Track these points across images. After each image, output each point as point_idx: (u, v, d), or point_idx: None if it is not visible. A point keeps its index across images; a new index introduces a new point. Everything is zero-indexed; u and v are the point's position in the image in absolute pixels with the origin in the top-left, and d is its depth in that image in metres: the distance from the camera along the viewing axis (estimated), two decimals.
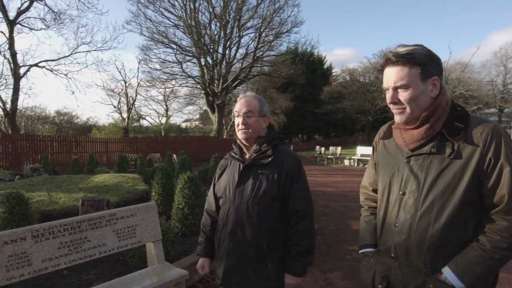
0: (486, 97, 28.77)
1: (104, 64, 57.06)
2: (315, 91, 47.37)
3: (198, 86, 29.28)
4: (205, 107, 33.43)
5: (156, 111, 37.56)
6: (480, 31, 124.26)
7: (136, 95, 29.61)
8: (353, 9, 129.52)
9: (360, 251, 1.70)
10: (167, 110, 38.22)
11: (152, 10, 26.06)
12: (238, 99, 2.01)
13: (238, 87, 31.23)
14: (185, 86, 30.48)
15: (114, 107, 29.70)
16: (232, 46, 27.98)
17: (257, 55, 27.83)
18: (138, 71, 27.82)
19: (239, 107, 1.94)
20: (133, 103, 29.26)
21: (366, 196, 1.78)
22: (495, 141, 1.29)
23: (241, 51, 28.65)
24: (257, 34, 27.25)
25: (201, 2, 27.39)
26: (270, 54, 28.59)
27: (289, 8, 28.30)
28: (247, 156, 1.96)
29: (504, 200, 1.28)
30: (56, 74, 18.66)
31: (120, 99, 29.27)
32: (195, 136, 29.26)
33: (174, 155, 16.32)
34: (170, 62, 27.58)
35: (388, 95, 1.42)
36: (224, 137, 30.57)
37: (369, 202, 1.76)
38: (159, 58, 26.89)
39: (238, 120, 1.93)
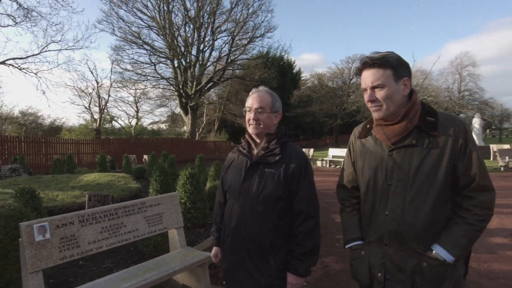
0: (445, 103, 30.85)
1: (75, 63, 54.81)
2: (285, 95, 48.24)
3: (171, 88, 29.13)
4: (177, 109, 33.27)
5: (126, 112, 36.80)
6: (437, 40, 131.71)
7: (108, 96, 29.05)
8: (319, 16, 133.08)
9: (347, 246, 1.79)
10: (137, 111, 37.60)
11: (125, 10, 25.75)
12: (250, 94, 2.00)
13: (211, 90, 31.37)
14: (158, 88, 30.23)
15: (85, 107, 28.91)
16: (206, 49, 28.16)
17: (231, 58, 28.19)
18: (111, 71, 27.15)
19: (251, 102, 1.93)
20: (106, 104, 28.64)
21: (346, 194, 1.87)
22: (463, 131, 1.53)
23: (215, 54, 28.91)
24: (231, 38, 27.60)
25: (175, 4, 27.41)
26: (243, 58, 29.04)
27: (263, 13, 28.95)
28: (255, 152, 1.95)
29: (476, 178, 1.50)
30: (26, 73, 17.98)
31: (91, 99, 28.60)
32: (168, 138, 29.09)
33: (145, 156, 16.33)
34: (143, 63, 27.31)
35: (366, 94, 1.59)
36: (196, 139, 30.58)
37: (349, 199, 1.86)
38: (132, 59, 26.57)
39: (249, 115, 1.92)
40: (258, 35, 26.87)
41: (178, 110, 34.77)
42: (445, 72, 48.14)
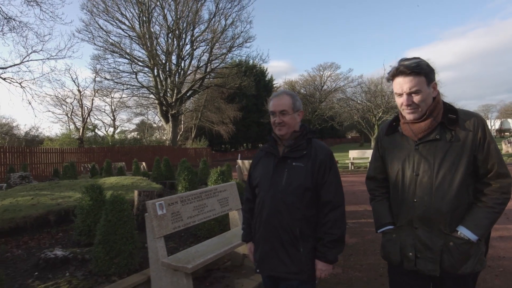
0: None
1: (58, 73, 53.15)
2: (259, 102, 49.52)
3: (152, 96, 29.49)
4: (156, 118, 33.50)
5: (102, 121, 36.52)
6: (399, 48, 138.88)
7: (92, 105, 28.90)
8: (285, 24, 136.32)
9: (380, 230, 1.95)
10: (114, 120, 37.44)
11: (105, 20, 25.98)
12: (271, 98, 2.13)
13: (191, 98, 31.94)
14: (139, 96, 30.45)
15: (68, 116, 28.59)
16: (186, 58, 28.81)
17: (211, 67, 29.02)
18: (94, 81, 27.09)
19: (274, 107, 2.05)
20: (89, 113, 28.44)
21: (376, 184, 2.04)
22: (482, 126, 1.70)
23: (194, 62, 29.61)
24: (209, 47, 28.41)
25: (154, 14, 27.94)
26: (221, 66, 29.87)
27: (242, 23, 30.06)
28: (281, 148, 2.08)
29: (494, 167, 1.67)
30: (10, 83, 17.87)
31: (73, 108, 28.34)
32: (150, 145, 29.32)
33: (144, 163, 16.85)
34: (124, 72, 27.54)
35: (402, 99, 1.73)
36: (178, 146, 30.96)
37: (378, 189, 2.02)
38: (113, 68, 26.76)
39: (273, 119, 2.06)
40: (236, 45, 27.94)
41: (156, 118, 35.03)
42: None
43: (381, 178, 2.01)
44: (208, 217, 3.89)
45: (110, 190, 7.32)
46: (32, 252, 4.55)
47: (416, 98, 1.71)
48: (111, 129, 35.66)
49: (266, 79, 56.23)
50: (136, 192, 5.64)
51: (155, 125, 47.03)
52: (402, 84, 1.72)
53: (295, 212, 1.94)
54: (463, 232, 1.67)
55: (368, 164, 17.77)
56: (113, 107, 36.15)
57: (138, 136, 43.76)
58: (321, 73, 48.29)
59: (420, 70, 1.69)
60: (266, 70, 56.18)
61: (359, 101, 38.79)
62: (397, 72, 1.73)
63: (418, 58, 1.74)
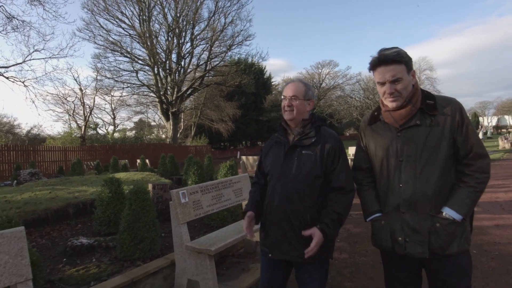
0: None
1: (60, 72, 53.14)
2: (258, 100, 49.88)
3: (152, 94, 29.72)
4: (156, 116, 33.68)
5: (102, 119, 36.71)
6: (397, 45, 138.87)
7: (93, 104, 29.09)
8: (283, 22, 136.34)
9: (368, 219, 1.99)
10: (114, 118, 37.64)
11: (105, 18, 26.15)
12: (285, 84, 2.23)
13: (191, 96, 32.17)
14: (139, 94, 30.68)
15: (69, 115, 28.78)
16: (186, 56, 29.02)
17: (210, 65, 29.27)
18: (96, 79, 27.28)
19: (286, 91, 2.14)
20: (90, 112, 28.66)
21: (362, 174, 2.07)
22: (459, 110, 1.76)
23: (194, 61, 29.84)
24: (209, 45, 28.62)
25: (154, 12, 28.11)
26: (221, 64, 30.11)
27: (242, 22, 30.29)
28: (291, 137, 2.15)
29: (473, 148, 1.74)
30: (13, 82, 18.08)
31: (74, 107, 28.51)
32: (151, 143, 29.58)
33: (147, 160, 17.12)
34: (124, 70, 27.76)
35: (385, 87, 1.78)
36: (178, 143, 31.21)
37: (365, 178, 2.06)
38: (114, 66, 26.97)
39: (284, 103, 2.13)
40: (236, 43, 28.17)
41: (156, 117, 35.22)
42: None
43: (366, 167, 2.05)
44: (225, 206, 4.16)
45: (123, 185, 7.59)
46: (56, 242, 4.81)
47: (398, 86, 1.77)
48: (111, 128, 35.89)
49: (265, 77, 56.59)
50: (150, 186, 5.91)
51: (154, 123, 47.26)
52: (384, 72, 1.77)
53: (306, 200, 1.99)
54: (448, 212, 1.72)
55: None
56: (113, 106, 36.39)
57: (137, 135, 44.04)
58: (320, 70, 48.66)
59: (400, 59, 1.75)
60: (265, 68, 56.49)
61: (357, 98, 39.11)
62: (378, 61, 1.78)
63: (397, 47, 1.79)
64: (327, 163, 2.01)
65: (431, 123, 1.76)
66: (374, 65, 1.80)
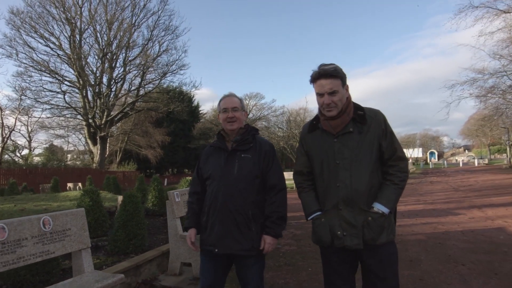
0: None
1: None
2: (186, 127, 50.24)
3: (79, 117, 28.52)
4: (76, 140, 32.05)
5: (13, 141, 33.43)
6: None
7: (15, 124, 26.56)
8: (206, 53, 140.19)
9: (309, 218, 2.16)
10: (30, 141, 34.59)
11: (31, 36, 24.98)
12: (222, 98, 2.43)
13: (121, 120, 31.54)
14: (66, 117, 29.15)
15: None
16: (118, 81, 28.73)
17: (144, 90, 29.37)
18: (20, 99, 25.23)
19: (226, 104, 2.36)
20: (10, 133, 26.08)
21: (303, 178, 2.26)
22: (383, 119, 2.06)
23: (126, 85, 29.63)
24: (142, 72, 28.80)
25: (85, 35, 27.67)
26: (151, 91, 30.28)
27: (178, 52, 31.26)
28: (229, 143, 2.36)
29: (396, 152, 2.04)
30: None
31: None
32: (77, 167, 28.00)
33: (80, 184, 16.68)
34: (50, 91, 26.39)
35: (324, 98, 2.00)
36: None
37: (306, 181, 2.24)
38: (39, 86, 25.52)
39: (225, 115, 2.34)
40: (171, 71, 28.88)
41: (76, 141, 33.47)
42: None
43: (307, 171, 2.24)
44: None
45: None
46: None
47: (334, 98, 1.98)
48: (26, 151, 32.97)
49: (193, 105, 57.46)
50: (120, 198, 6.52)
51: (72, 148, 44.31)
52: (323, 85, 1.99)
53: (247, 197, 2.21)
54: (378, 207, 1.96)
55: (293, 185, 19.94)
56: (29, 128, 33.66)
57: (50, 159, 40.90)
58: (247, 102, 51.03)
59: (337, 74, 1.98)
60: (193, 96, 57.52)
61: (281, 128, 41.97)
62: (319, 75, 2.00)
63: (335, 64, 2.03)
64: (264, 165, 2.29)
65: (362, 130, 2.01)
66: (315, 78, 2.03)
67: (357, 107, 2.08)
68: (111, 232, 4.86)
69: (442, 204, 10.75)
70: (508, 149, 48.02)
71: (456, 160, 78.59)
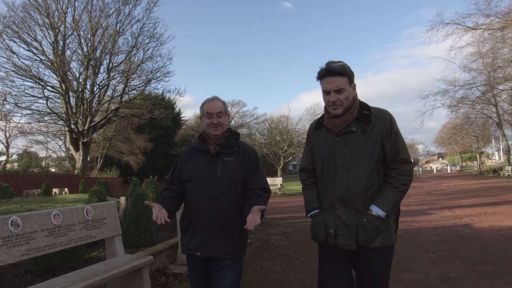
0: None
1: None
2: (168, 134, 50.26)
3: (61, 122, 28.28)
4: (57, 146, 31.71)
5: None
6: (293, 90, 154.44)
7: None
8: (190, 58, 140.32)
9: (309, 215, 2.17)
10: (7, 147, 33.84)
11: (13, 41, 24.77)
12: (206, 102, 2.36)
13: (104, 126, 31.44)
14: (47, 123, 28.82)
15: None
16: (102, 87, 28.72)
17: (129, 97, 29.45)
18: (2, 104, 24.78)
19: (211, 109, 2.29)
20: None
21: (306, 175, 2.26)
22: (389, 120, 2.00)
23: (110, 92, 29.60)
24: (125, 78, 28.91)
25: (68, 41, 27.64)
26: (134, 97, 30.36)
27: (162, 59, 31.49)
28: (212, 146, 2.32)
29: (399, 154, 1.97)
30: None
31: None
32: (59, 173, 27.65)
33: (66, 189, 16.79)
34: (33, 96, 26.13)
35: (330, 96, 1.97)
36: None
37: (310, 178, 2.25)
38: (21, 91, 25.22)
39: (210, 120, 2.28)
40: (155, 78, 29.13)
41: (57, 147, 33.03)
42: (303, 118, 58.61)
43: (311, 168, 2.23)
44: None
45: (78, 203, 8.26)
46: None
47: (341, 96, 1.95)
48: (3, 157, 32.23)
49: (175, 111, 57.55)
50: (122, 198, 6.96)
51: (49, 155, 43.52)
52: (330, 83, 1.96)
53: (230, 200, 2.19)
54: (374, 209, 1.92)
55: (277, 190, 20.56)
56: (8, 133, 32.98)
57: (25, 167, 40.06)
58: (230, 109, 51.40)
59: (344, 72, 1.95)
60: (175, 103, 57.59)
61: (264, 135, 42.71)
62: (325, 72, 1.97)
63: (342, 62, 2.00)
64: (248, 168, 2.28)
65: (365, 130, 1.97)
66: (322, 75, 2.00)
67: (363, 106, 2.06)
68: (122, 228, 5.32)
69: (417, 206, 11.64)
70: (478, 156, 50.49)
71: (431, 167, 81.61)
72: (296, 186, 24.78)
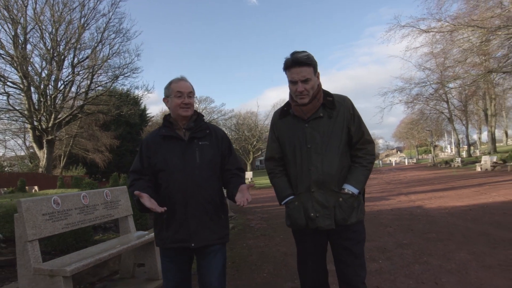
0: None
1: None
2: (133, 130, 49.50)
3: (22, 120, 27.29)
4: (17, 144, 30.54)
5: None
6: (258, 87, 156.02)
7: None
8: (158, 53, 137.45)
9: (283, 202, 2.18)
10: None
11: None
12: (175, 81, 2.19)
13: (70, 123, 30.65)
14: (9, 120, 27.66)
15: None
16: (66, 83, 28.00)
17: (95, 93, 28.91)
18: None
19: (182, 88, 2.15)
20: None
21: (275, 163, 2.28)
22: (351, 105, 2.13)
23: (75, 88, 28.90)
24: (91, 74, 28.36)
25: (29, 35, 26.71)
26: (100, 93, 29.84)
27: (130, 55, 31.02)
28: (181, 131, 2.19)
29: (363, 135, 2.12)
30: None
31: None
32: (22, 172, 26.72)
33: (36, 187, 16.54)
34: None
35: (297, 86, 2.01)
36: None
37: (278, 167, 2.27)
38: None
39: (180, 100, 2.13)
40: (123, 75, 28.79)
41: (17, 146, 31.77)
42: (270, 114, 59.67)
43: (278, 157, 2.25)
44: None
45: None
46: None
47: (307, 85, 2.01)
48: None
49: (141, 108, 56.59)
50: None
51: (10, 153, 41.55)
52: (297, 73, 2.00)
53: (214, 184, 2.16)
54: (348, 188, 2.04)
55: (251, 174, 21.32)
56: None
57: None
58: (197, 105, 51.63)
59: (310, 62, 2.01)
60: (140, 99, 56.62)
61: (234, 130, 43.39)
62: (292, 63, 2.01)
63: (307, 51, 2.05)
64: (223, 149, 2.25)
65: (331, 115, 2.06)
66: (288, 65, 2.04)
67: (326, 93, 2.12)
68: None
69: (377, 194, 12.87)
70: (432, 149, 54.17)
71: (390, 160, 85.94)
72: (266, 180, 25.71)
